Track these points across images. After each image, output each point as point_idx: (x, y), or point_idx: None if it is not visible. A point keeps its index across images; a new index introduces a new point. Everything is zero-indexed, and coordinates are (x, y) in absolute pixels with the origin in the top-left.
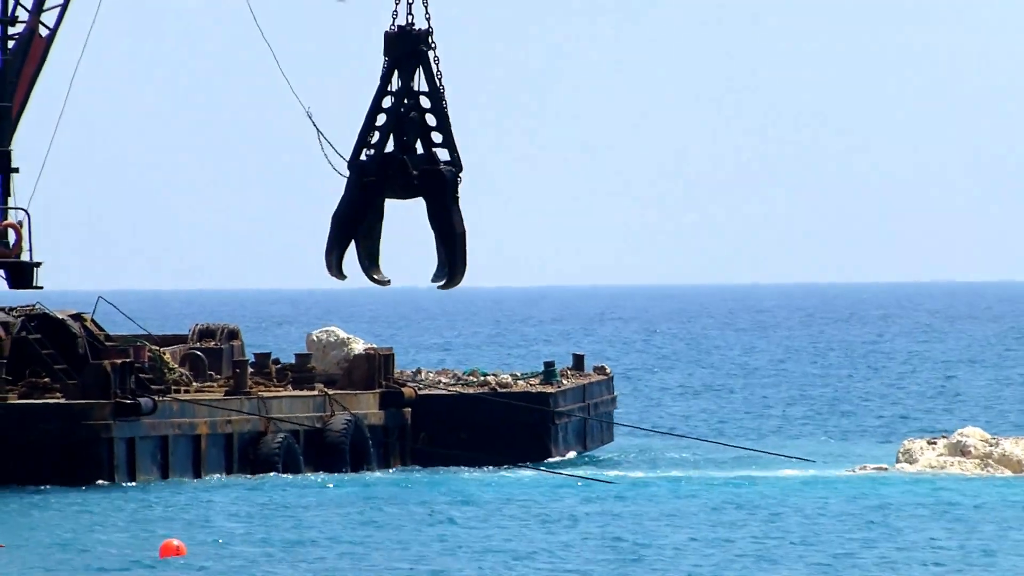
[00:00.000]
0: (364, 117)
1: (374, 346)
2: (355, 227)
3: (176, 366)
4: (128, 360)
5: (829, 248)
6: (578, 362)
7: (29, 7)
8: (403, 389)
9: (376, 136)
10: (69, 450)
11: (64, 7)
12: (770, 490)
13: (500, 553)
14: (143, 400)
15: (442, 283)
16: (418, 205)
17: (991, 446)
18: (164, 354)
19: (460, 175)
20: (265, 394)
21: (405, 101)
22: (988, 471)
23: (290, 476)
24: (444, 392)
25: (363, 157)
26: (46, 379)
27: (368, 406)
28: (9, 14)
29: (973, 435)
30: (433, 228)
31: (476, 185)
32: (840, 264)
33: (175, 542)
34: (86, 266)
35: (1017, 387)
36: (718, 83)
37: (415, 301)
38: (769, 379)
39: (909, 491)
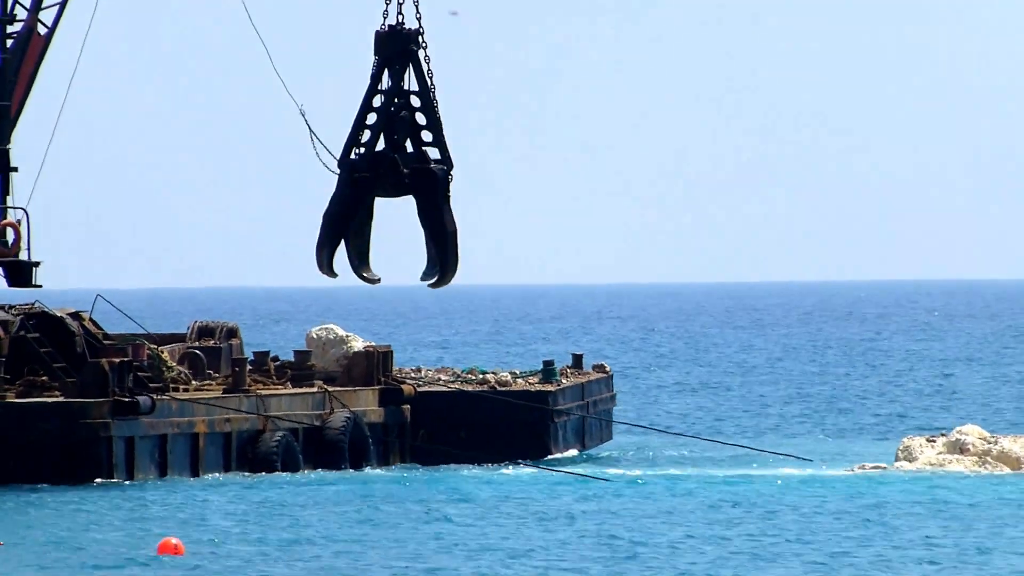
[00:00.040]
0: (355, 116)
1: (373, 344)
2: (346, 225)
3: (175, 364)
4: (127, 359)
5: (827, 246)
6: (577, 361)
7: (27, 5)
8: (402, 386)
9: (367, 135)
10: (67, 449)
11: (62, 6)
12: (767, 488)
13: (496, 551)
14: (141, 399)
15: (432, 281)
16: (411, 203)
17: (990, 444)
18: (163, 352)
19: (451, 173)
20: (264, 392)
21: (396, 100)
22: (987, 469)
23: (289, 474)
24: (444, 390)
25: (353, 156)
26: (44, 378)
27: (367, 403)
28: (8, 12)
29: (972, 433)
30: (424, 226)
31: (475, 184)
32: (838, 262)
33: (173, 541)
34: (85, 265)
35: (1014, 385)
36: (717, 82)
37: (413, 299)
38: (767, 377)
39: (907, 489)
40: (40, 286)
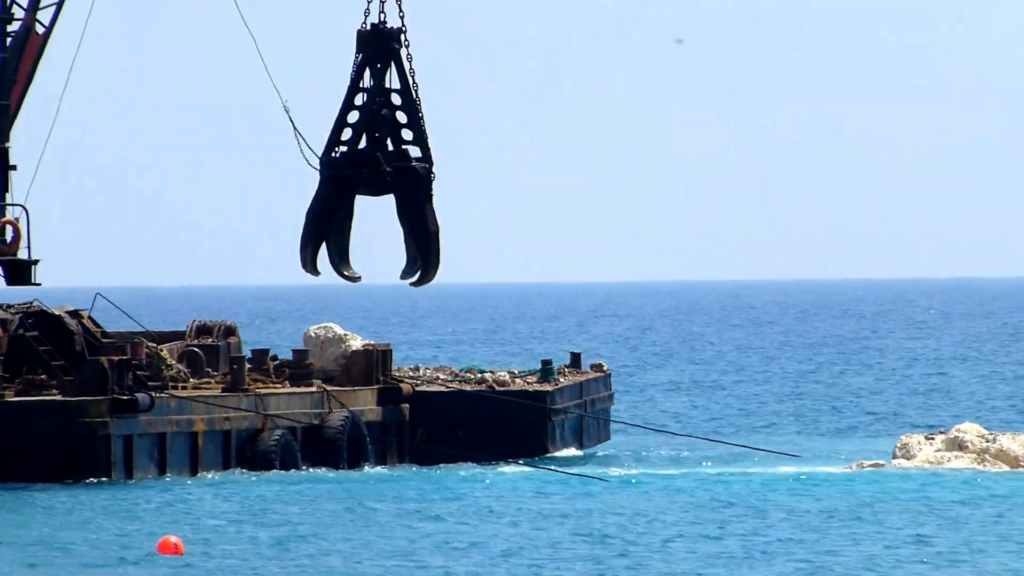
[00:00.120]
0: (336, 114)
1: (372, 342)
2: (329, 223)
3: (173, 363)
4: (125, 357)
5: (827, 246)
6: (575, 360)
7: (25, 5)
8: (401, 385)
9: (348, 133)
10: (66, 447)
11: (59, 5)
12: (762, 486)
13: (490, 550)
14: (140, 397)
15: (414, 280)
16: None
17: (988, 442)
18: (161, 351)
19: (434, 172)
20: (263, 391)
21: (377, 99)
22: (985, 466)
23: (287, 473)
24: (442, 389)
25: (335, 154)
26: (43, 376)
27: (366, 402)
28: (6, 12)
29: (970, 431)
30: (403, 225)
31: (472, 183)
32: (837, 261)
33: (173, 539)
34: (84, 263)
35: (1009, 383)
36: (715, 81)
37: (408, 298)
38: (762, 375)
39: (902, 487)
40: (39, 284)
